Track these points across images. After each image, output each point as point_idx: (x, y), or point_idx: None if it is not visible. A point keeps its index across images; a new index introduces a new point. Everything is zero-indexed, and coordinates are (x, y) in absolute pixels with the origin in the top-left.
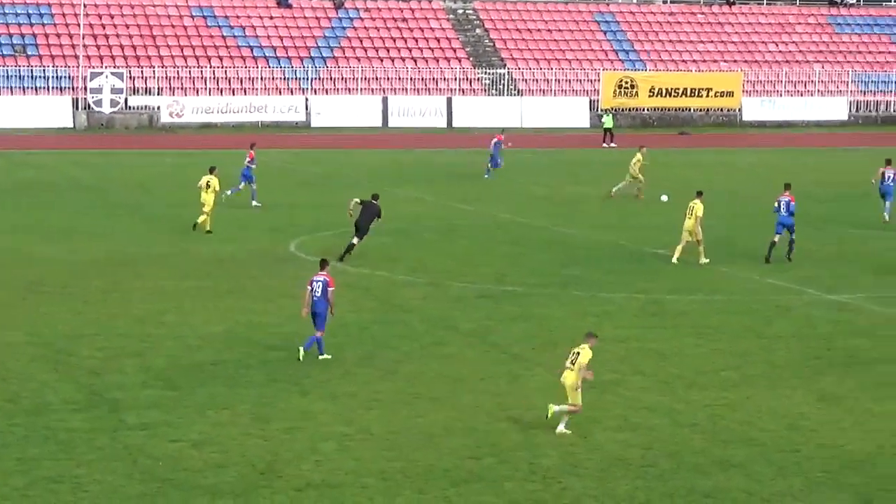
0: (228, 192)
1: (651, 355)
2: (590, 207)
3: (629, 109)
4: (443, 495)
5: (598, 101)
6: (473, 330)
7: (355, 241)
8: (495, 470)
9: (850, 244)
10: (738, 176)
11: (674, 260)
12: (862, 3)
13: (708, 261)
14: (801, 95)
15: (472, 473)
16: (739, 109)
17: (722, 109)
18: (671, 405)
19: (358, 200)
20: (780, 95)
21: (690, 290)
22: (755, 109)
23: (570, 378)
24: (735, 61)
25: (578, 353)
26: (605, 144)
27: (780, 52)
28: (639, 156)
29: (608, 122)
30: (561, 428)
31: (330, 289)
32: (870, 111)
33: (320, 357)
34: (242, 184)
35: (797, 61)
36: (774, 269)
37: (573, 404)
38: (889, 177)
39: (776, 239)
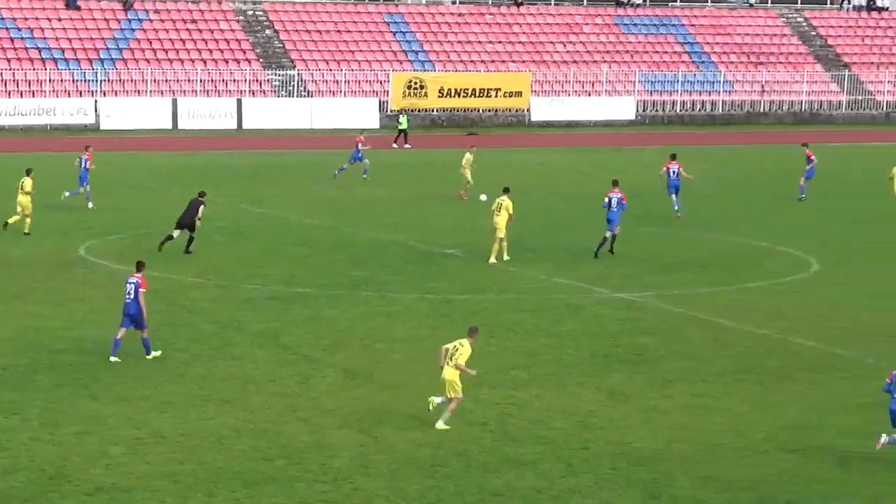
0: (67, 194)
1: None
2: (380, 208)
3: (419, 110)
4: (233, 497)
5: (387, 101)
6: (263, 331)
7: (175, 233)
8: (286, 471)
9: (637, 243)
10: (526, 175)
11: (491, 260)
12: (648, 3)
13: (495, 262)
14: (589, 95)
15: (263, 475)
16: (528, 109)
17: (511, 109)
18: (462, 404)
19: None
20: (569, 95)
21: (480, 290)
22: (543, 109)
23: (449, 374)
24: (524, 61)
25: (458, 349)
26: (395, 145)
27: (567, 52)
28: (468, 156)
29: (404, 122)
30: (441, 424)
31: (141, 290)
32: (657, 111)
33: (148, 356)
34: (82, 186)
35: (585, 61)
36: (563, 267)
37: (455, 395)
38: (674, 171)
39: (607, 234)
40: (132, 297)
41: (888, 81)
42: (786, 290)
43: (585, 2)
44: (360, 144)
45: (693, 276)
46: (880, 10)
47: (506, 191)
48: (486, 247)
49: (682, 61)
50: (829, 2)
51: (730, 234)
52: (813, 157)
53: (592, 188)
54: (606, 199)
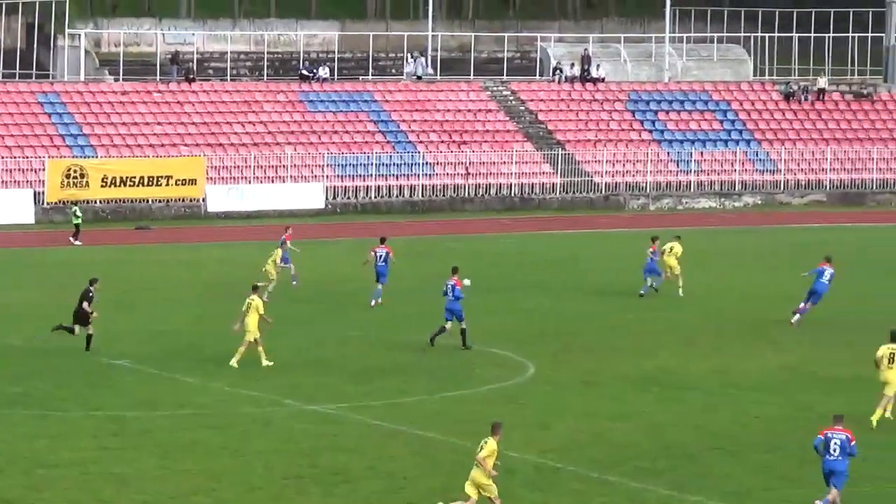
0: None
1: (111, 480)
2: (41, 312)
3: (81, 202)
4: None
5: (44, 193)
6: None
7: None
8: None
9: (331, 346)
10: (206, 275)
11: (265, 363)
12: (336, 78)
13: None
14: (273, 182)
15: None
16: (204, 199)
17: (184, 199)
18: None
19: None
20: (249, 182)
21: (154, 405)
22: (221, 199)
23: (477, 476)
24: (197, 145)
25: (482, 447)
26: (75, 241)
27: (247, 133)
28: (278, 250)
29: (79, 215)
30: None
31: None
32: (349, 197)
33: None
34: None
35: (267, 143)
36: (251, 377)
37: (493, 496)
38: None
39: (447, 326)
40: None
41: (606, 161)
42: (500, 398)
43: (265, 76)
44: (287, 243)
45: (395, 384)
46: (595, 81)
47: (254, 289)
48: (162, 354)
49: (377, 141)
50: (538, 73)
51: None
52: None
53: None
54: (445, 287)
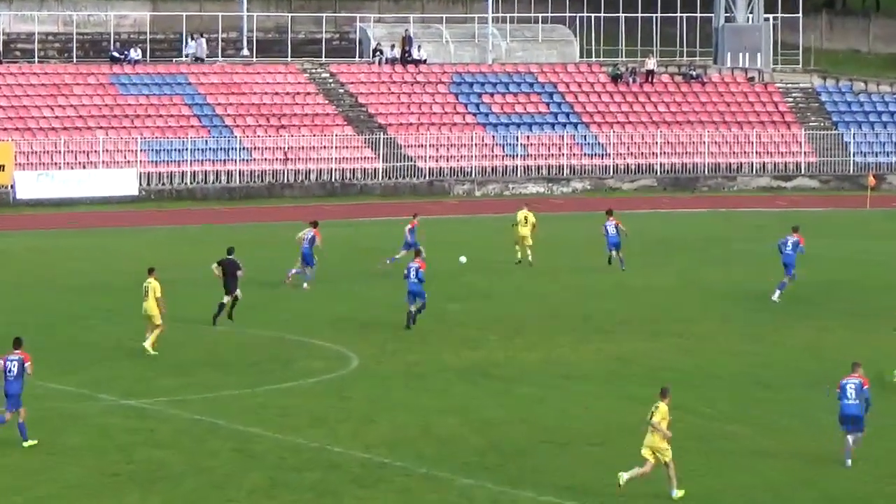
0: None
1: None
2: None
3: None
4: None
5: None
6: None
7: (225, 299)
8: None
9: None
10: (17, 265)
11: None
12: (148, 59)
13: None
14: (84, 167)
15: None
16: (12, 186)
17: None
18: None
19: (216, 264)
20: (60, 168)
21: None
22: (31, 185)
23: (654, 441)
24: (5, 129)
25: (653, 412)
26: None
27: (56, 117)
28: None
29: None
30: (675, 493)
31: (27, 364)
32: (163, 184)
33: (25, 444)
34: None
35: (77, 128)
36: (62, 371)
37: (668, 459)
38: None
39: (412, 309)
40: (15, 374)
41: (429, 145)
42: (323, 391)
43: (75, 59)
44: (414, 230)
45: (215, 378)
46: (417, 62)
47: (150, 272)
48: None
49: (192, 126)
50: (358, 55)
51: (259, 327)
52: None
53: (95, 278)
54: (406, 270)
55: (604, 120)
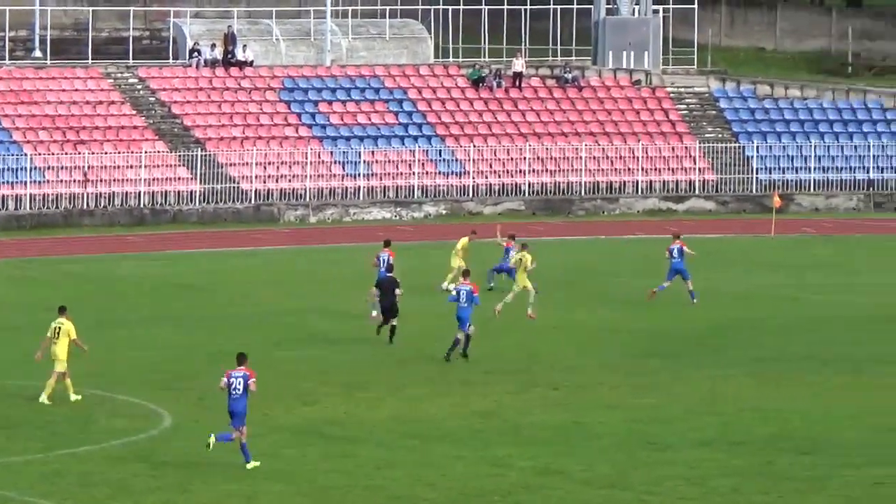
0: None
1: None
2: None
3: None
4: None
5: None
6: None
7: (394, 322)
8: None
9: None
10: None
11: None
12: None
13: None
14: None
15: None
16: None
17: None
18: None
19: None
20: None
21: None
22: None
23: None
24: None
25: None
26: None
27: None
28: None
29: None
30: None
31: (251, 380)
32: None
33: (248, 466)
34: None
35: None
36: None
37: None
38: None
39: (459, 336)
40: (240, 391)
41: (256, 163)
42: (130, 455)
43: None
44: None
45: (1, 440)
46: (242, 65)
47: (61, 311)
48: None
49: None
50: (172, 56)
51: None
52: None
53: None
54: (457, 292)
55: (462, 132)
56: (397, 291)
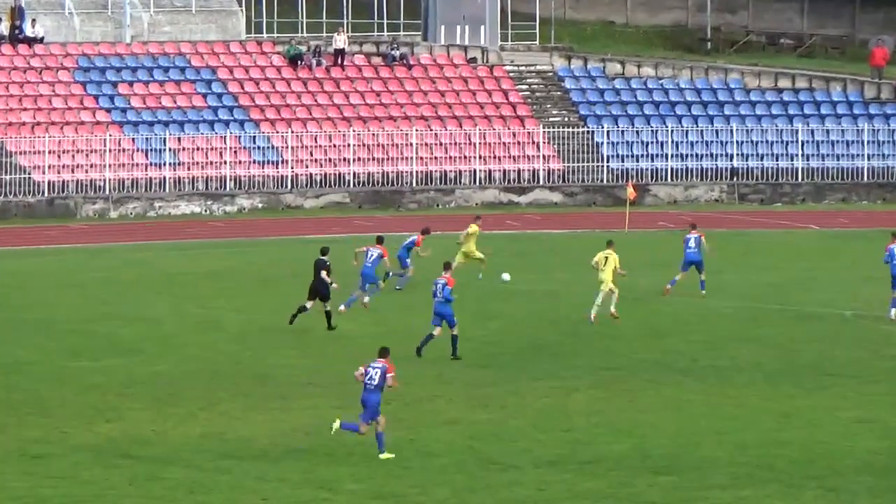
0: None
1: None
2: None
3: None
4: None
5: None
6: None
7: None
8: None
9: None
10: None
11: None
12: None
13: None
14: None
15: None
16: None
17: None
18: None
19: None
20: None
21: None
22: None
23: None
24: None
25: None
26: None
27: None
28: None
29: None
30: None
31: (389, 375)
32: None
33: (381, 456)
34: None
35: None
36: None
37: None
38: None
39: (434, 332)
40: (375, 383)
41: (48, 151)
42: None
43: None
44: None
45: None
46: (31, 41)
47: None
48: None
49: None
50: None
51: None
52: None
53: None
54: (434, 286)
55: (279, 116)
56: (323, 273)
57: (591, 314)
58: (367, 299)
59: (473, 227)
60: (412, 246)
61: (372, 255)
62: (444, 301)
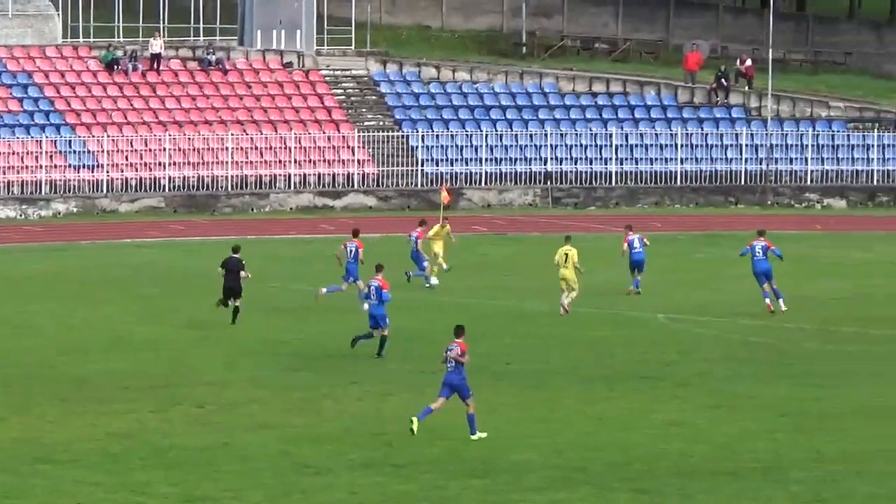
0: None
1: None
2: None
3: None
4: None
5: None
6: None
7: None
8: None
9: None
10: None
11: None
12: None
13: None
14: None
15: None
16: None
17: None
18: None
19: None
20: None
21: None
22: None
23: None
24: None
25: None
26: None
27: None
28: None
29: None
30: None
31: (455, 352)
32: None
33: (472, 437)
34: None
35: None
36: None
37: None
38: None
39: (374, 333)
40: (453, 366)
41: None
42: None
43: None
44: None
45: None
46: None
47: None
48: None
49: None
50: None
51: None
52: None
53: None
54: (367, 288)
55: (95, 120)
56: (242, 273)
57: (561, 308)
58: (324, 290)
59: (436, 228)
60: (416, 243)
61: (351, 251)
62: (378, 303)
